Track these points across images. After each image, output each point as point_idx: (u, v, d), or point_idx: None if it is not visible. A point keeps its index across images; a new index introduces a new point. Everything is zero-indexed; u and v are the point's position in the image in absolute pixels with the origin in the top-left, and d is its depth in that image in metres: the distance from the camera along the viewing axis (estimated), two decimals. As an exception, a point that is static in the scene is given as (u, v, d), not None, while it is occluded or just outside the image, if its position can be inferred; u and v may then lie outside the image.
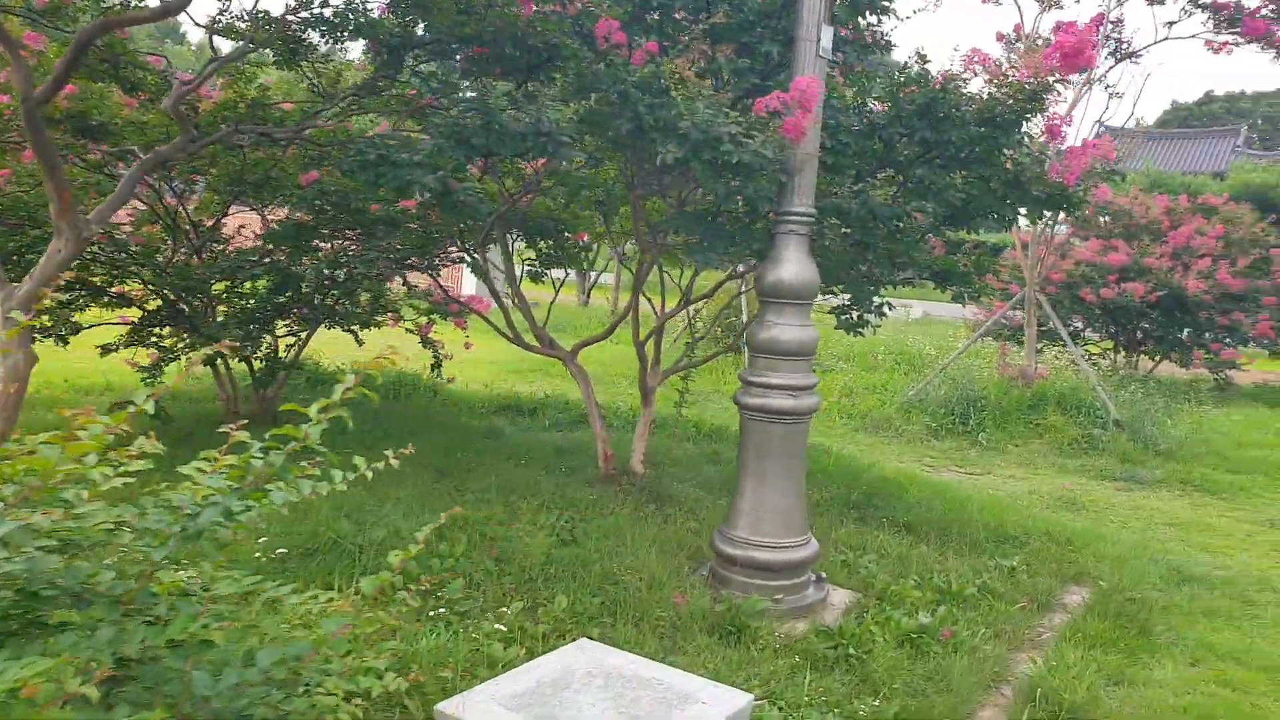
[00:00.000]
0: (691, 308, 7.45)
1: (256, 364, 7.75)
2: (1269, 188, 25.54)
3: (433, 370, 8.37)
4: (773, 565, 4.61)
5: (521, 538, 4.75)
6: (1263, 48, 9.92)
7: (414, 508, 5.15)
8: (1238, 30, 9.95)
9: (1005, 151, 5.34)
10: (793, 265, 4.56)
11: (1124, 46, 10.48)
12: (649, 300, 7.16)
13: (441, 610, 4.05)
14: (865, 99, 5.24)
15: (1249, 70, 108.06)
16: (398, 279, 8.17)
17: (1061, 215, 10.79)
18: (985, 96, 5.11)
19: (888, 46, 5.26)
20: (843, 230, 5.47)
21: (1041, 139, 5.71)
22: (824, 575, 4.97)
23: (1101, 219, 14.90)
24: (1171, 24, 10.25)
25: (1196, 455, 9.63)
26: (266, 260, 7.14)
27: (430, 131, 4.79)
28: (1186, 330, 13.92)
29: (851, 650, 4.26)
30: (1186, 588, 5.87)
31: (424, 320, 8.13)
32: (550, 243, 7.61)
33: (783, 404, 4.58)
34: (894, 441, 10.00)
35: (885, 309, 6.23)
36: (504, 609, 4.12)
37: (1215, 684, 4.52)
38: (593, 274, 18.83)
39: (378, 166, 4.60)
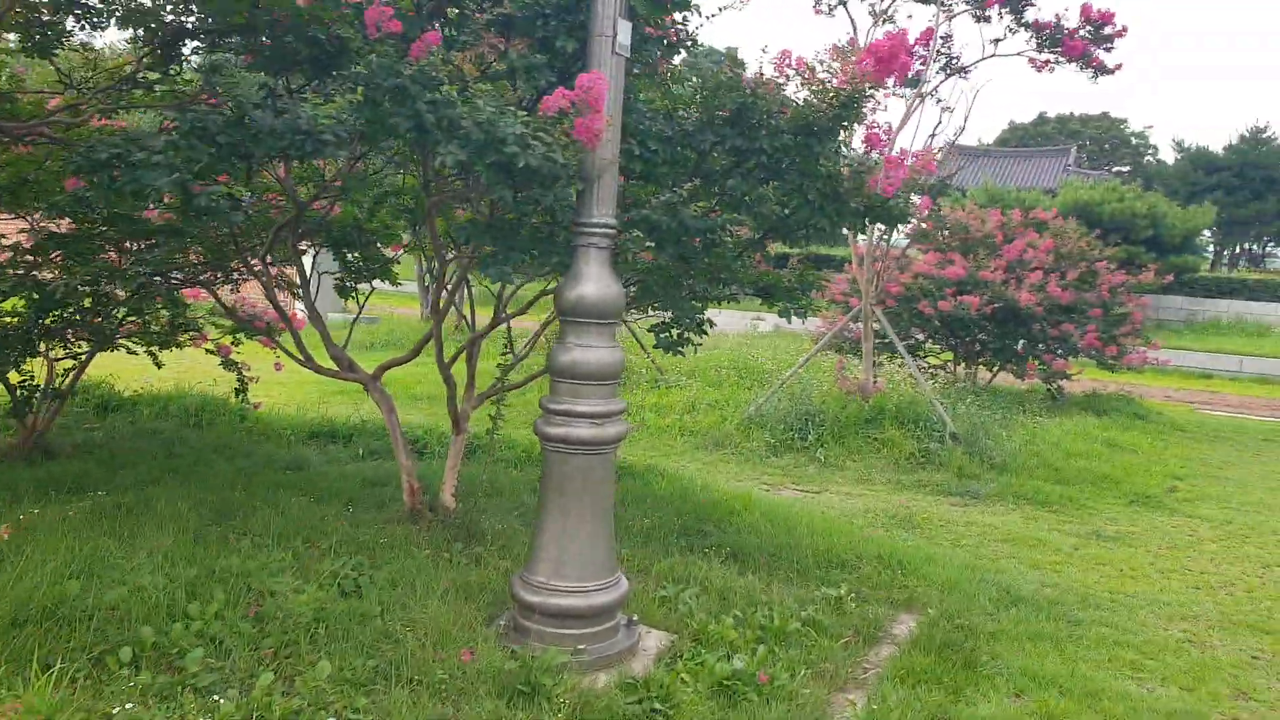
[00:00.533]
0: (513, 324, 6.96)
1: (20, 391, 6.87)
2: (1095, 204, 26.90)
3: (237, 395, 7.64)
4: (576, 611, 4.17)
5: (287, 593, 4.16)
6: (1081, 67, 10.17)
7: (173, 559, 4.48)
8: (1059, 50, 10.18)
9: (823, 162, 5.09)
10: (594, 282, 4.14)
11: (954, 61, 10.60)
12: (465, 318, 6.66)
13: (176, 686, 3.44)
14: (675, 104, 4.90)
15: (1079, 93, 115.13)
16: (209, 294, 7.41)
17: (902, 229, 10.87)
18: (800, 103, 4.84)
19: (694, 45, 4.92)
20: (648, 244, 5.11)
21: (862, 150, 5.50)
22: (635, 618, 4.56)
23: (941, 233, 15.19)
24: (998, 41, 10.40)
25: (1029, 467, 9.74)
26: (22, 274, 6.29)
27: (172, 128, 4.17)
28: (1021, 342, 14.28)
29: (658, 705, 3.87)
30: (1014, 610, 5.74)
31: (227, 340, 7.39)
32: (359, 254, 7.02)
33: (585, 434, 4.16)
34: (733, 459, 9.75)
35: (708, 326, 5.90)
36: (254, 679, 3.54)
37: (1036, 717, 4.32)
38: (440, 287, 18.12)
39: (110, 167, 3.95)
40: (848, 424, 10.32)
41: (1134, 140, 72.91)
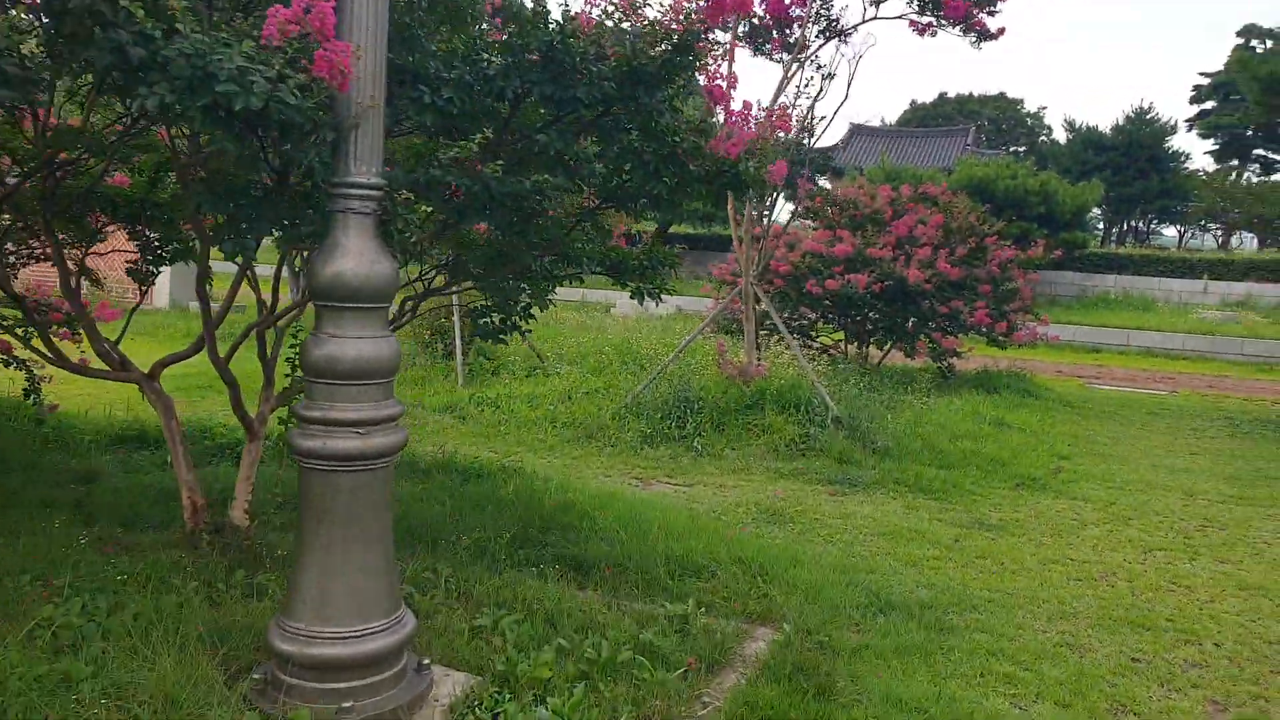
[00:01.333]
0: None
1: None
2: (989, 181, 26.99)
3: (27, 396, 6.64)
4: (342, 661, 3.41)
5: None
6: (964, 31, 9.72)
7: None
8: (941, 13, 9.70)
9: (657, 118, 4.40)
10: (354, 256, 3.37)
11: (835, 24, 10.05)
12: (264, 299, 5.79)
13: None
14: (477, 47, 4.14)
15: (979, 73, 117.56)
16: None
17: (788, 205, 10.28)
18: (625, 46, 4.13)
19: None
20: (437, 215, 4.35)
21: (715, 112, 4.82)
22: (428, 660, 3.82)
23: (829, 209, 14.73)
24: (879, 3, 9.88)
25: (913, 452, 9.29)
26: None
27: None
28: (911, 320, 13.93)
29: (435, 775, 3.15)
30: (883, 618, 5.18)
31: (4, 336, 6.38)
32: (159, 233, 6.09)
33: (349, 446, 3.39)
34: (606, 452, 9.08)
35: (534, 310, 5.19)
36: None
37: (895, 758, 3.74)
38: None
39: None
40: (728, 410, 9.74)
41: (1029, 121, 74.54)
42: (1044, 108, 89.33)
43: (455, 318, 11.48)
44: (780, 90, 9.57)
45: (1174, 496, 8.61)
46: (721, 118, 4.78)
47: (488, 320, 5.02)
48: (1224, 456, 10.62)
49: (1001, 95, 75.17)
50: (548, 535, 5.85)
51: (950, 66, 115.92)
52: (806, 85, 9.79)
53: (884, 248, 13.64)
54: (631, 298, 5.89)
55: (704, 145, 4.52)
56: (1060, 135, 62.48)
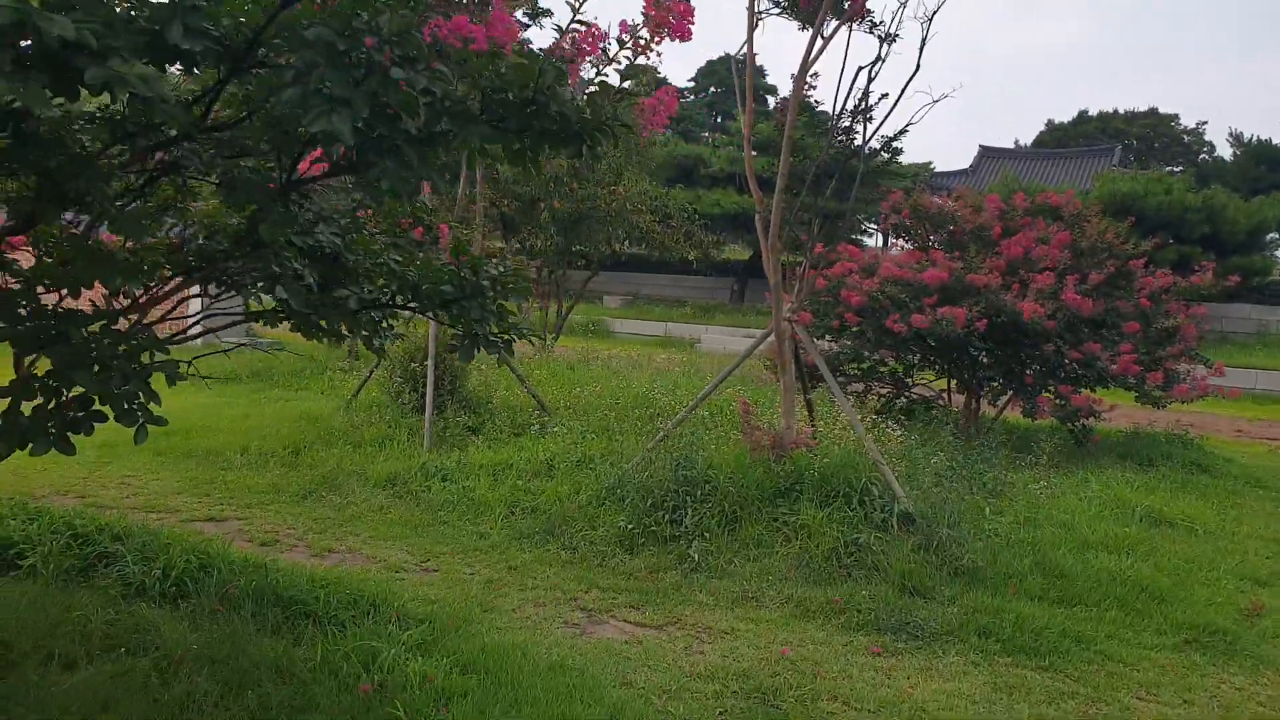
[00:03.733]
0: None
1: None
2: (1137, 197, 23.09)
3: None
4: None
5: None
6: None
7: None
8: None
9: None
10: None
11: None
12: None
13: None
14: None
15: (1125, 88, 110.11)
16: None
17: (875, 225, 7.40)
18: None
19: None
20: None
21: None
22: None
23: (923, 226, 11.69)
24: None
25: (1017, 573, 6.21)
26: None
27: None
28: (1031, 368, 10.72)
29: None
30: None
31: None
32: None
33: None
34: (560, 559, 6.35)
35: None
36: None
37: None
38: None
39: None
40: (747, 499, 6.87)
41: (1186, 138, 68.50)
42: (1204, 123, 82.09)
43: (430, 359, 9.02)
44: (812, 54, 6.75)
45: None
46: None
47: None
48: None
49: (1152, 111, 69.37)
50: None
51: (1091, 83, 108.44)
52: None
53: (990, 273, 10.51)
54: (453, 352, 3.24)
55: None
56: (1225, 152, 56.70)
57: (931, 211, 11.64)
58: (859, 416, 8.07)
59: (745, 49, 7.70)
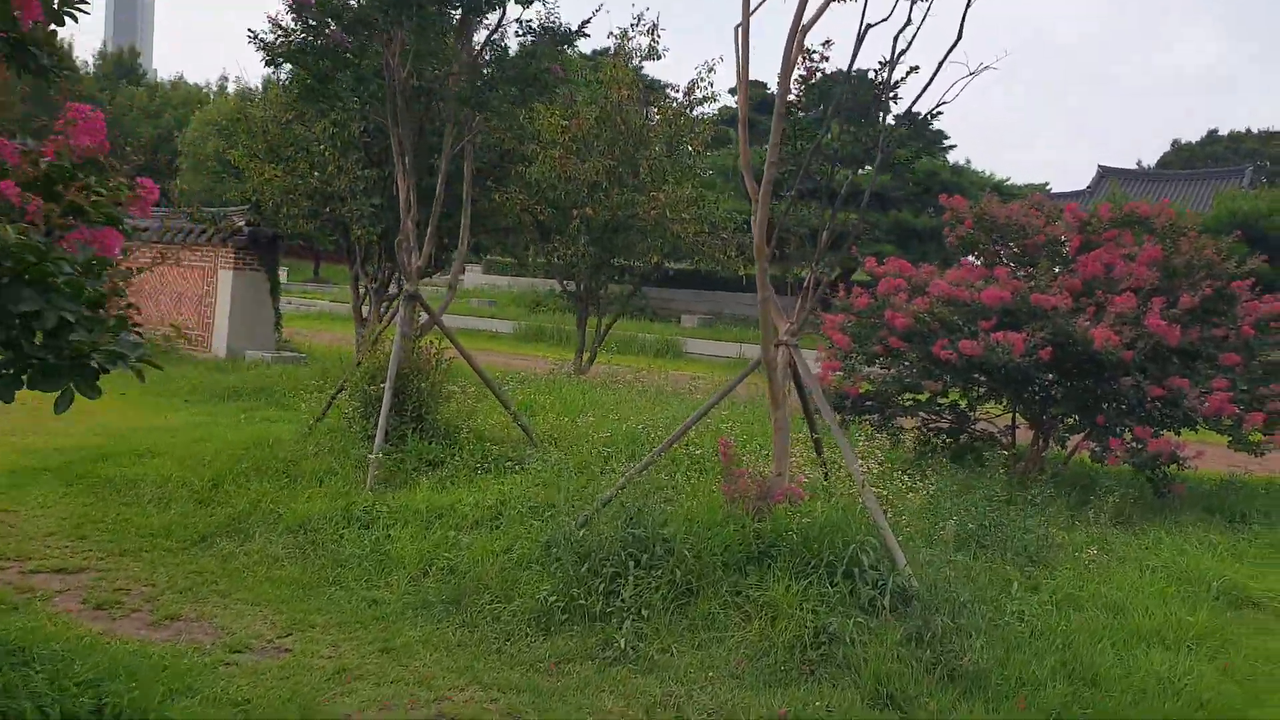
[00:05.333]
0: None
1: None
2: (1259, 216, 20.70)
3: None
4: None
5: None
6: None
7: None
8: None
9: None
10: None
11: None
12: None
13: None
14: None
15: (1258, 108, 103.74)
16: None
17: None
18: None
19: None
20: None
21: None
22: None
23: (990, 239, 10.15)
24: None
25: (1032, 679, 4.73)
26: None
27: None
28: (1105, 405, 9.06)
29: None
30: None
31: None
32: None
33: None
34: (451, 642, 5.14)
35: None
36: None
37: None
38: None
39: None
40: (708, 565, 5.55)
41: (1326, 160, 63.82)
42: (1347, 142, 76.27)
43: (389, 381, 7.99)
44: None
45: None
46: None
47: None
48: None
49: (1289, 129, 64.84)
50: None
51: (1222, 101, 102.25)
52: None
53: (1060, 293, 8.93)
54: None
55: None
56: (1367, 172, 52.35)
57: (999, 221, 10.08)
58: (860, 463, 6.66)
59: (742, 19, 6.43)
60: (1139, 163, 64.77)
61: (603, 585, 5.47)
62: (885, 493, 7.07)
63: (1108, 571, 6.47)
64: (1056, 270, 9.70)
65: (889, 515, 6.76)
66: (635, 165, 13.44)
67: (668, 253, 14.56)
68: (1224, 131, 65.87)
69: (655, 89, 15.12)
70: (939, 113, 5.97)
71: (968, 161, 53.92)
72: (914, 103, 6.11)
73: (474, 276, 40.69)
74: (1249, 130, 65.88)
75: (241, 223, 16.16)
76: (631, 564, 5.54)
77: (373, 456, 7.71)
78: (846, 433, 8.53)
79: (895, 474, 8.20)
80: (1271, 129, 65.33)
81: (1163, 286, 9.17)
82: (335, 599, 5.67)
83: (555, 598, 5.41)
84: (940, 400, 10.20)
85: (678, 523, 5.82)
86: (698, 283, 33.94)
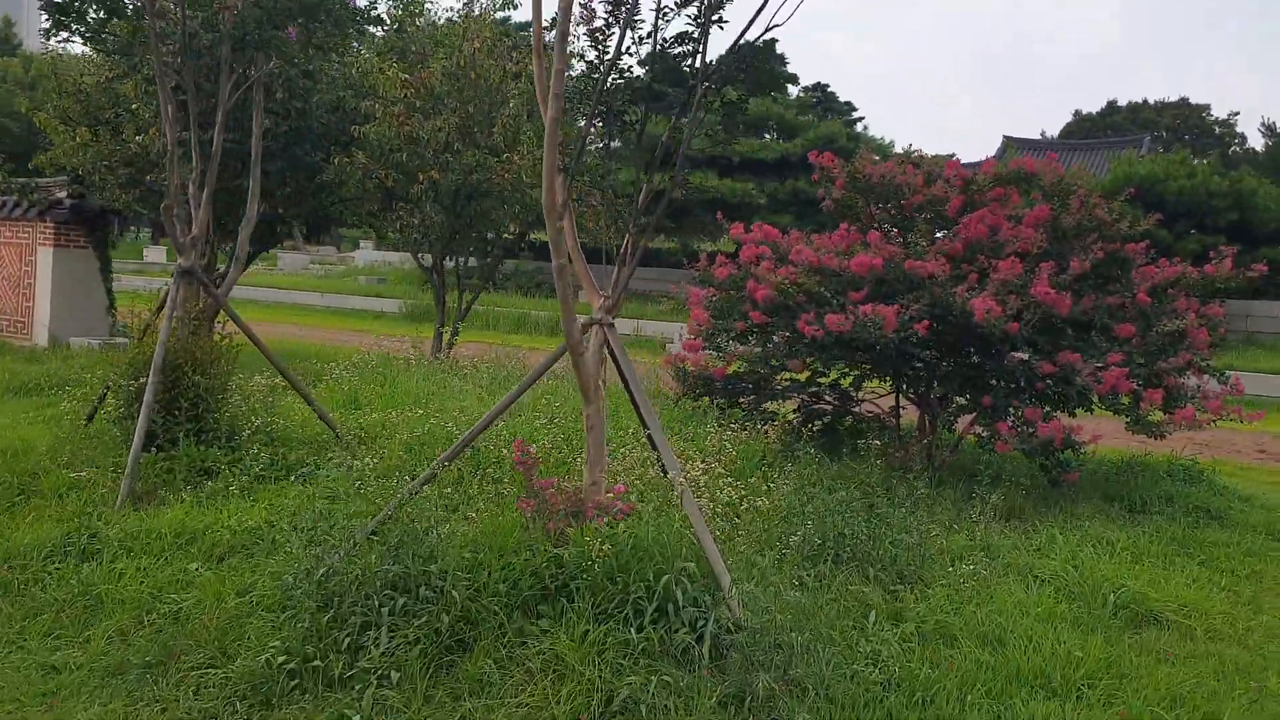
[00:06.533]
0: None
1: None
2: (1156, 180, 20.31)
3: None
4: None
5: None
6: None
7: None
8: None
9: None
10: None
11: None
12: None
13: None
14: None
15: (1154, 80, 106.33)
16: None
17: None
18: None
19: None
20: None
21: None
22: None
23: (858, 199, 9.14)
24: None
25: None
26: None
27: None
28: (993, 384, 8.15)
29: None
30: None
31: None
32: None
33: None
34: (130, 726, 3.89)
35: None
36: None
37: None
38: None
39: None
40: (488, 607, 4.40)
41: (1217, 129, 65.67)
42: (1235, 113, 78.68)
43: (152, 374, 6.63)
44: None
45: None
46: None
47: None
48: None
49: (1183, 101, 66.51)
50: None
51: (1120, 74, 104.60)
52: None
53: (938, 259, 7.96)
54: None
55: None
56: (1257, 143, 53.66)
57: (874, 181, 9.07)
58: (700, 462, 5.55)
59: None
60: (1043, 133, 65.54)
61: (348, 639, 4.27)
62: (734, 497, 6.00)
63: (989, 587, 5.49)
64: (937, 235, 8.77)
65: (733, 525, 5.69)
66: (491, 125, 12.12)
67: (531, 221, 13.29)
68: (1123, 102, 67.07)
69: (518, 44, 13.70)
70: (773, 40, 4.81)
71: (865, 128, 53.24)
72: (744, 30, 4.98)
73: (365, 254, 38.80)
74: (1146, 101, 67.24)
75: (62, 195, 14.43)
76: (384, 610, 4.34)
77: (130, 467, 6.35)
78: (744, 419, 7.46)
79: (756, 469, 7.18)
80: (1167, 99, 66.81)
81: (1052, 250, 8.29)
82: (6, 664, 4.35)
83: (284, 658, 4.19)
84: (819, 380, 9.21)
85: (455, 553, 4.63)
86: (588, 256, 32.55)
